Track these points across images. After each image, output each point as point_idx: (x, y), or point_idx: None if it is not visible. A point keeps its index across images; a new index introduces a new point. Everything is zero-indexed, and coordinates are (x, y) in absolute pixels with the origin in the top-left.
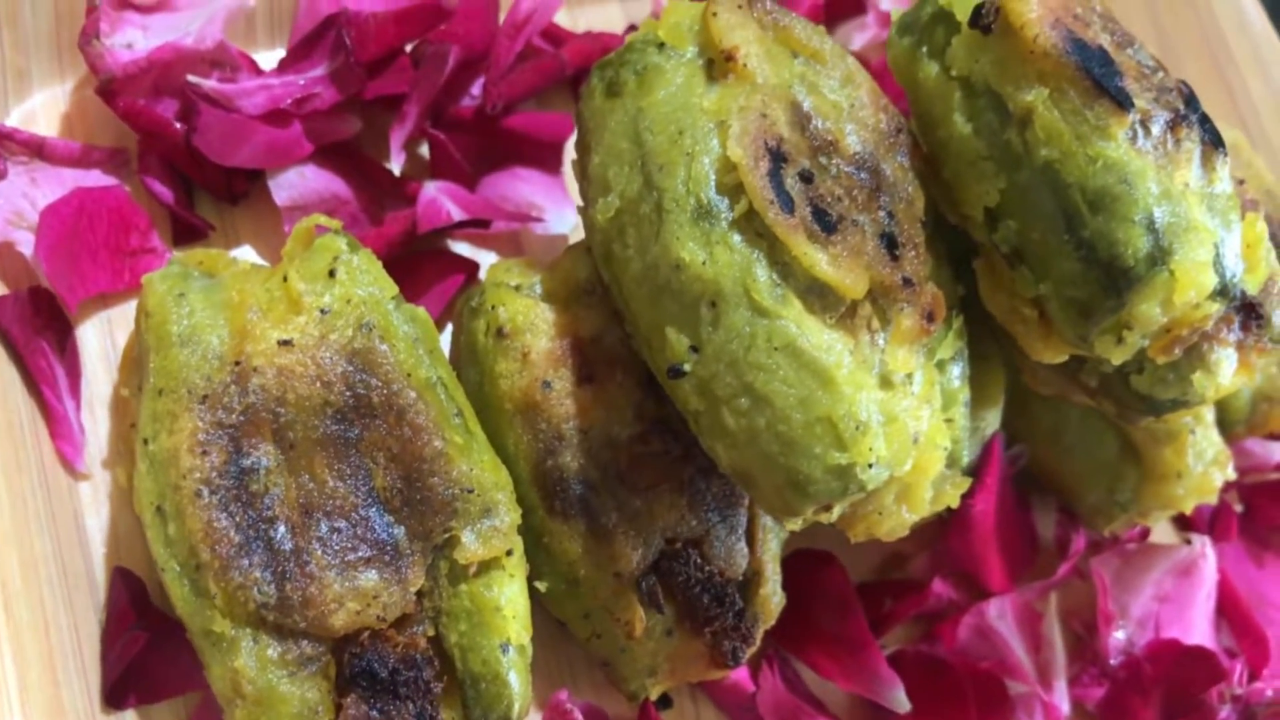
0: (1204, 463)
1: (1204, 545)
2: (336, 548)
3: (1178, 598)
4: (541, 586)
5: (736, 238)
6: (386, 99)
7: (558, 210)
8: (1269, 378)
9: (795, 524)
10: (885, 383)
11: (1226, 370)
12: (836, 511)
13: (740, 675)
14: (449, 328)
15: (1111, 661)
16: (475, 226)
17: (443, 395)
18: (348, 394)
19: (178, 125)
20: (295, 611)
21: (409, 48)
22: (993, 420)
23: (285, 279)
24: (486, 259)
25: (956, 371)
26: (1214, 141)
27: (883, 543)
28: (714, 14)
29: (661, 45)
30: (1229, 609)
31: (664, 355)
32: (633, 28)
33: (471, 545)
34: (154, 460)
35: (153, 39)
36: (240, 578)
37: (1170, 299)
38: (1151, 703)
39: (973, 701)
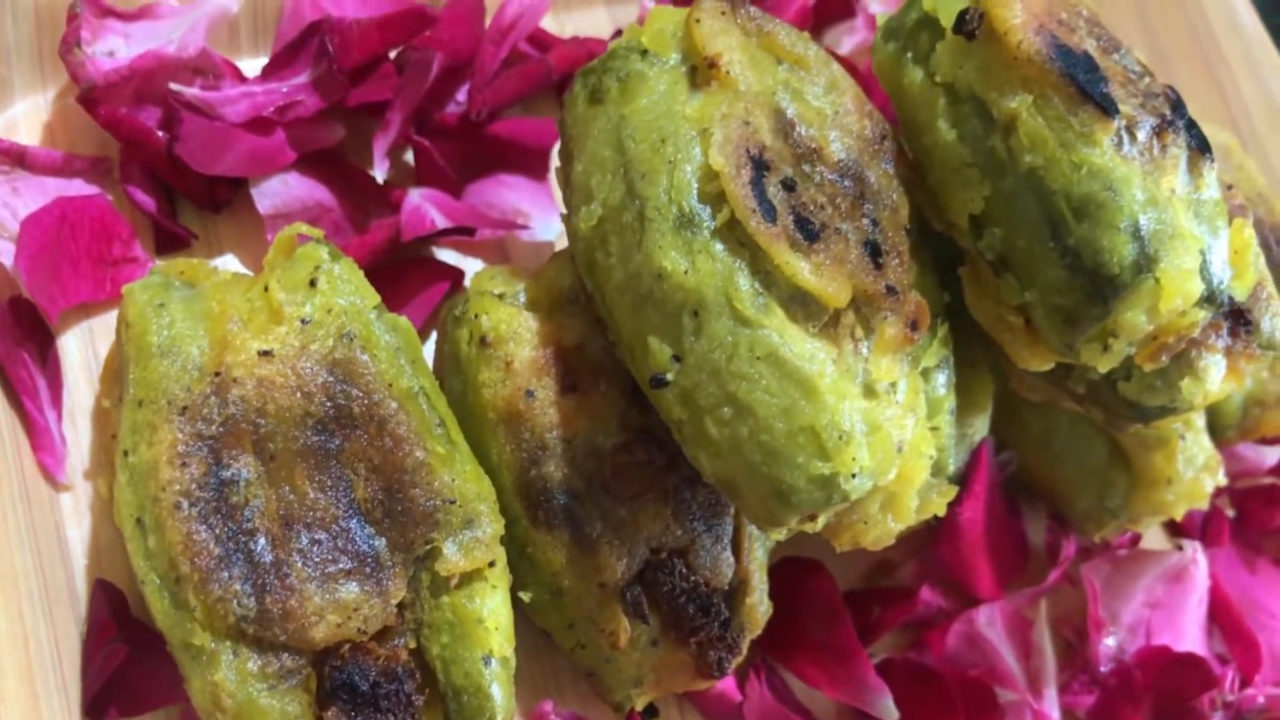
0: (1194, 468)
1: (1195, 551)
2: (317, 560)
3: (1169, 604)
4: (526, 597)
5: (719, 246)
6: (370, 106)
7: (544, 217)
8: (1260, 382)
9: (780, 534)
10: (869, 392)
11: (1215, 377)
12: (821, 521)
13: (727, 684)
14: (435, 336)
15: (1102, 669)
16: (460, 234)
17: (424, 405)
18: (328, 404)
19: (160, 134)
20: (275, 624)
21: (393, 54)
22: (981, 427)
23: (266, 289)
24: (472, 266)
25: (942, 379)
26: (1201, 147)
27: (871, 551)
28: (697, 21)
29: (644, 52)
30: (1221, 615)
31: (646, 364)
32: (619, 33)
33: (453, 557)
34: (134, 472)
35: (135, 47)
36: (220, 590)
37: (1156, 306)
38: (1142, 710)
39: (962, 710)
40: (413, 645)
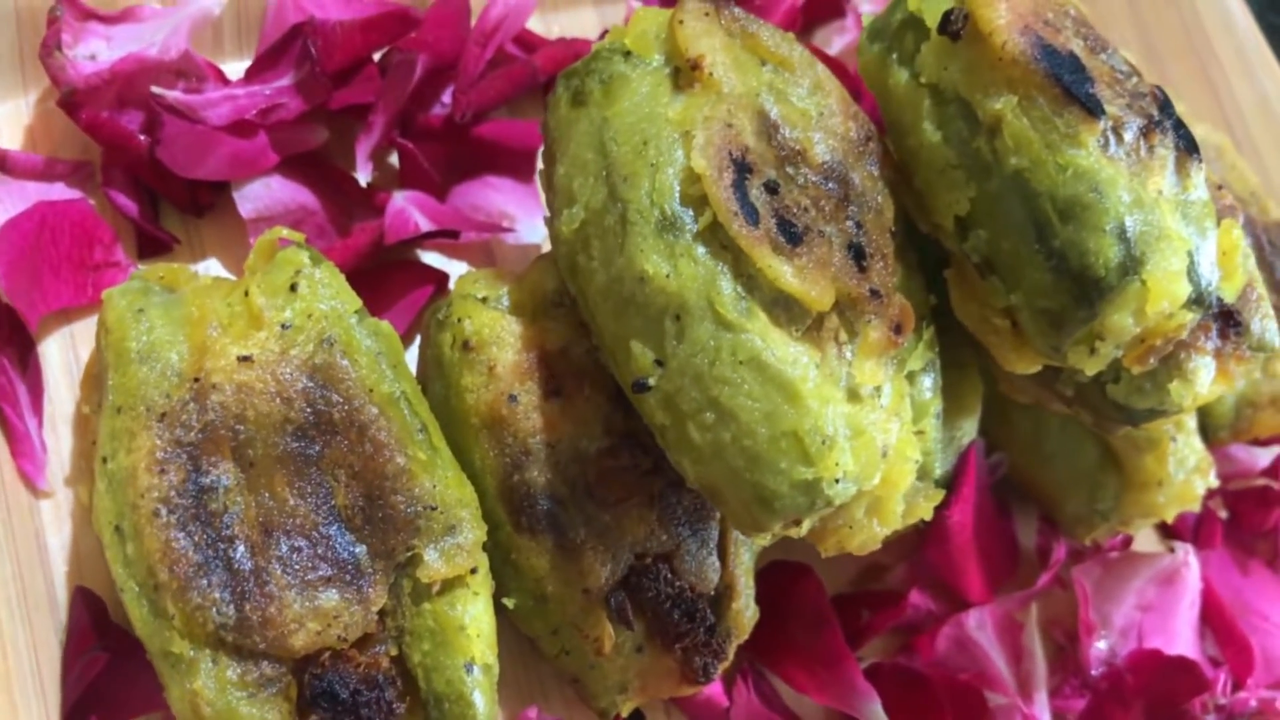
0: (1186, 470)
1: (1187, 553)
2: (297, 567)
3: (1160, 607)
4: (509, 603)
5: (701, 250)
6: (354, 108)
7: (529, 219)
8: (1253, 383)
9: (764, 539)
10: (853, 396)
11: (1204, 379)
12: (805, 526)
13: (714, 690)
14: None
15: (1093, 672)
16: (444, 237)
17: (406, 411)
18: (308, 410)
19: (142, 137)
20: (255, 632)
21: (377, 56)
22: (969, 429)
23: (246, 293)
24: (457, 269)
25: (928, 383)
26: (1188, 148)
27: (858, 555)
28: (680, 22)
29: (628, 54)
30: (1213, 617)
31: (629, 369)
32: (607, 33)
33: (434, 563)
34: (112, 479)
35: (116, 50)
36: (199, 598)
37: (1143, 309)
38: (1134, 713)
39: (951, 714)
40: (394, 653)
